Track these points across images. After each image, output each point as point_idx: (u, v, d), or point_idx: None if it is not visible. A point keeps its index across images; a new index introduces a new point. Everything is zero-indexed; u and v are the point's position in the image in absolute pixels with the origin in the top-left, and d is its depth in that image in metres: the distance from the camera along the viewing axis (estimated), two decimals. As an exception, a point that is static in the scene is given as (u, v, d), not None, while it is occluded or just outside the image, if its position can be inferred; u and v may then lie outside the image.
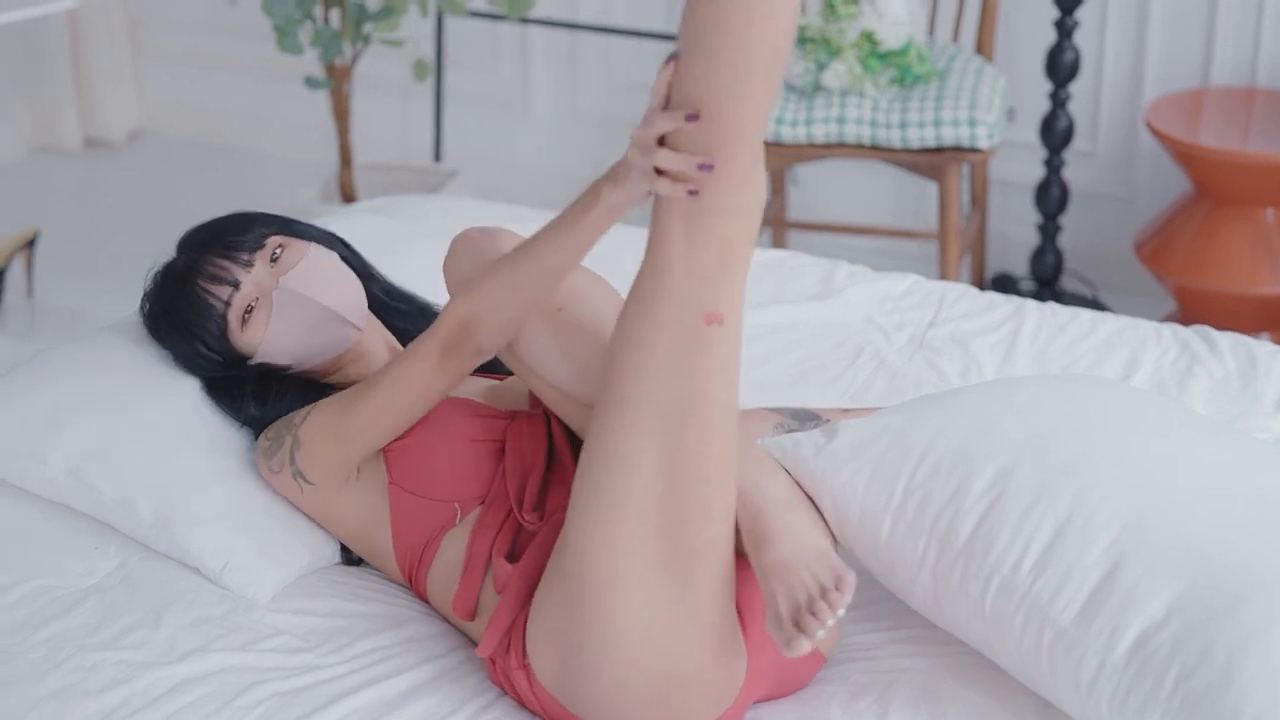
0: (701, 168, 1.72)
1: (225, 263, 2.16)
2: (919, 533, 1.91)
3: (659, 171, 1.75)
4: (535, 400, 2.11)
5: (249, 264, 2.16)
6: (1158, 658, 1.72)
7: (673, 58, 1.75)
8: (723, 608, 1.83)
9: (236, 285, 2.15)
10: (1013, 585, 1.83)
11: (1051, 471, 1.87)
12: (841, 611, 1.74)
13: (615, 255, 2.33)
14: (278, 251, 2.17)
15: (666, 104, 1.76)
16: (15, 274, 4.02)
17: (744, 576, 1.90)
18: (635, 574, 1.78)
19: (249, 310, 2.15)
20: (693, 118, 1.72)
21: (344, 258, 2.26)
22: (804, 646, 1.72)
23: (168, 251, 2.27)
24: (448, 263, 2.02)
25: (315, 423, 2.07)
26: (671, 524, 1.78)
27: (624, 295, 1.85)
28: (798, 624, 1.74)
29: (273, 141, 4.88)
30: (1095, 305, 3.86)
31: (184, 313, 2.18)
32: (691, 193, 1.73)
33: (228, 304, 2.15)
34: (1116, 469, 1.87)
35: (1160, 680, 1.71)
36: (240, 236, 2.17)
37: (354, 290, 2.20)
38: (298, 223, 2.26)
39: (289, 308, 2.14)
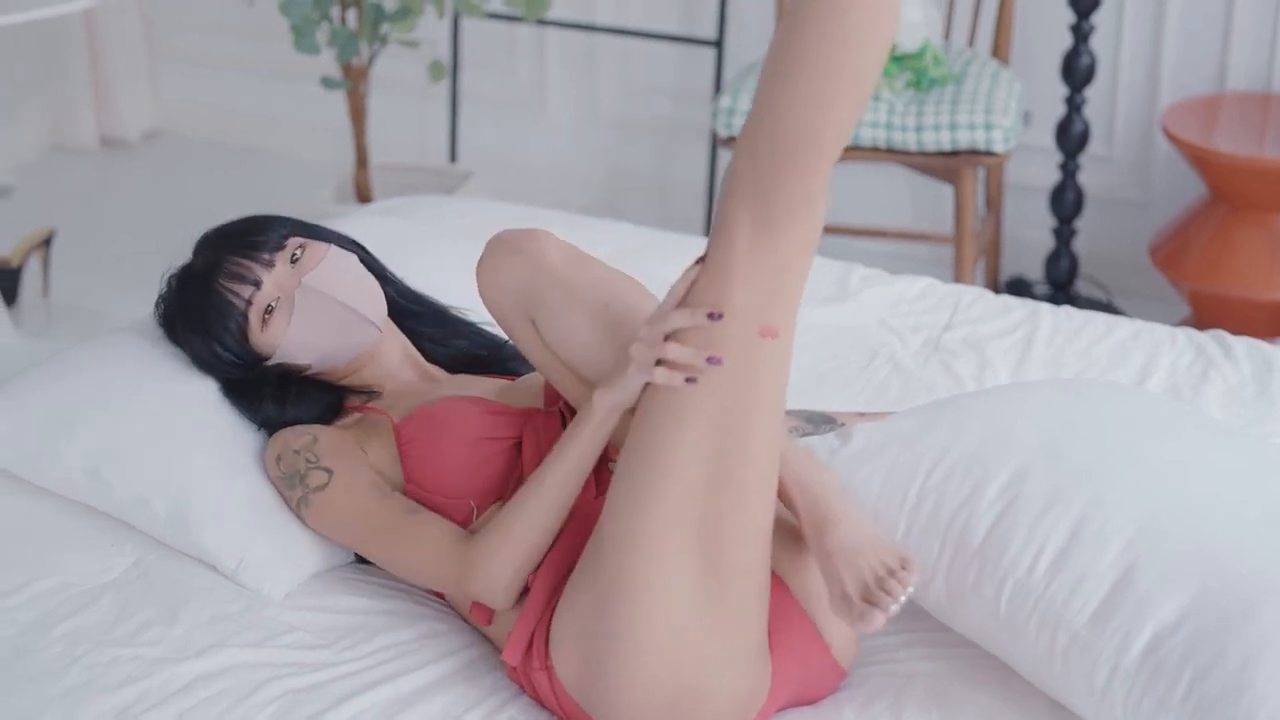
0: (710, 360, 1.74)
1: (247, 261, 2.16)
2: (933, 536, 1.91)
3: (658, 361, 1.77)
4: (551, 398, 2.11)
5: (270, 263, 2.16)
6: (1171, 661, 1.72)
7: (699, 261, 1.75)
8: (755, 625, 1.83)
9: (258, 284, 2.15)
10: (1027, 588, 1.83)
11: (1066, 476, 1.87)
12: (911, 589, 1.80)
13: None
14: (298, 252, 2.17)
15: (682, 304, 1.77)
16: (31, 272, 4.02)
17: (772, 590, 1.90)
18: (670, 581, 1.78)
19: (269, 310, 2.15)
20: (716, 316, 1.74)
21: (361, 260, 2.26)
22: (878, 620, 1.78)
23: (183, 252, 2.27)
24: (485, 265, 1.98)
25: (328, 514, 2.08)
26: (710, 533, 1.78)
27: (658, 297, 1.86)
28: (870, 600, 1.79)
29: (288, 142, 4.89)
30: (1110, 310, 3.85)
31: (203, 312, 2.18)
32: (689, 380, 1.74)
33: (249, 303, 2.15)
34: (1131, 473, 1.87)
35: (1174, 684, 1.71)
36: (261, 237, 2.17)
37: (374, 291, 2.20)
38: (315, 226, 2.27)
39: (311, 306, 2.15)
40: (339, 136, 4.73)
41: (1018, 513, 1.86)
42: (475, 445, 2.05)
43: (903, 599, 1.80)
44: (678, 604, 1.78)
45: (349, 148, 4.70)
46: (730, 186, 1.75)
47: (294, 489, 2.10)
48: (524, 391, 2.15)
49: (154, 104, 5.04)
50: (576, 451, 1.91)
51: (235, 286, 2.15)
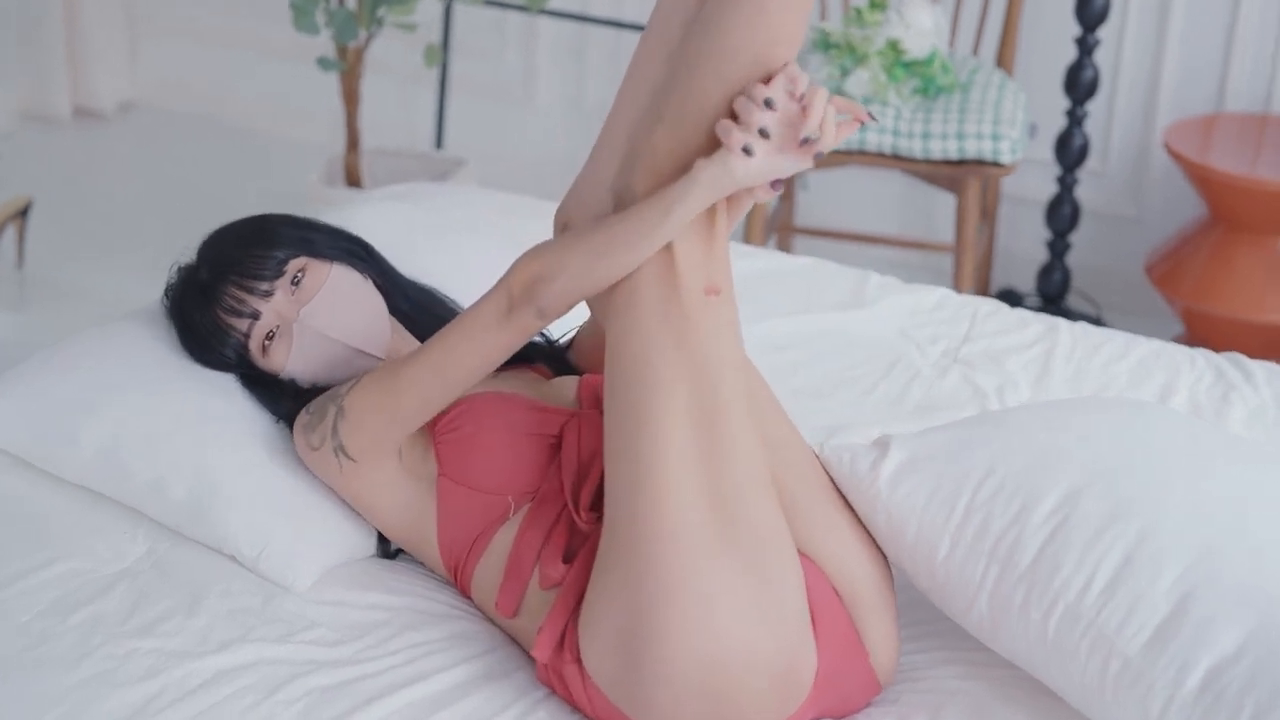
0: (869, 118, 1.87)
1: (243, 294, 2.11)
2: (979, 554, 1.88)
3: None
4: (584, 399, 2.07)
5: (268, 294, 2.11)
6: (1230, 692, 1.69)
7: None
8: (784, 591, 1.81)
9: (256, 316, 2.11)
10: (1078, 612, 1.80)
11: (1120, 498, 1.84)
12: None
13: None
14: (299, 275, 2.12)
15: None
16: (6, 243, 3.94)
17: (812, 583, 1.87)
18: (689, 551, 1.77)
19: (270, 337, 2.11)
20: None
21: (366, 269, 2.19)
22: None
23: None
24: None
25: (362, 391, 1.99)
26: (714, 495, 1.79)
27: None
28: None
29: (263, 118, 4.82)
30: (1098, 324, 3.84)
31: (204, 335, 2.15)
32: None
33: (247, 335, 2.12)
34: (1187, 500, 1.84)
35: (1234, 716, 1.68)
36: (260, 265, 2.10)
37: (375, 315, 2.14)
38: (320, 230, 2.19)
39: (308, 344, 2.10)
40: (314, 116, 4.67)
41: (1070, 535, 1.83)
42: (519, 440, 2.00)
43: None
44: (701, 572, 1.77)
45: (324, 129, 4.65)
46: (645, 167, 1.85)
47: (325, 418, 2.02)
48: (558, 393, 2.12)
49: (130, 76, 4.95)
50: (658, 217, 1.83)
51: (232, 320, 2.12)
